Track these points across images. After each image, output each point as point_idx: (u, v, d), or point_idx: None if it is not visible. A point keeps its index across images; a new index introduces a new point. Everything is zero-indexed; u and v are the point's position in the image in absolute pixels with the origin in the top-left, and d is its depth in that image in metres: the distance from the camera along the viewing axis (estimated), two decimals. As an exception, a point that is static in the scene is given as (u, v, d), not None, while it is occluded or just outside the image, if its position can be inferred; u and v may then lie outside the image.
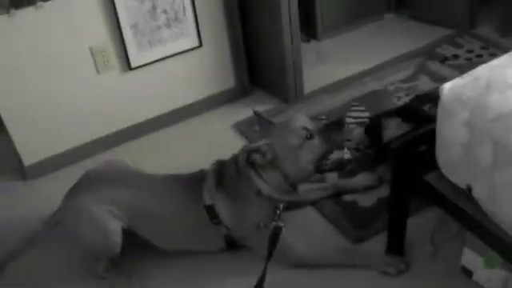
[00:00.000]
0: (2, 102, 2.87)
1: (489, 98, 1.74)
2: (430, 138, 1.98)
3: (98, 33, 2.96)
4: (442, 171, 1.96)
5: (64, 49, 2.91)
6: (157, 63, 3.19)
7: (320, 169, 2.29)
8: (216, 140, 3.22)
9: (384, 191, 2.64)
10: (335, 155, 2.33)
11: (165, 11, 3.05)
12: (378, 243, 2.43)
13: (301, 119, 2.28)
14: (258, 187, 2.25)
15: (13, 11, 2.68)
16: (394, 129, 2.77)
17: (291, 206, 2.55)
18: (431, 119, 2.02)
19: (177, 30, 3.14)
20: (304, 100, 3.47)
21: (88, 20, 2.91)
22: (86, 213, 2.29)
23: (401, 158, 2.08)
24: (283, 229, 2.24)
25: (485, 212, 1.82)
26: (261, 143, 2.22)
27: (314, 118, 3.08)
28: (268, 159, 2.21)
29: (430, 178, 2.03)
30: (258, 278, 2.10)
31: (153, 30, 3.06)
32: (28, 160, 3.08)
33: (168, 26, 3.10)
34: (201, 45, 3.27)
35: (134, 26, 3.00)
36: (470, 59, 3.67)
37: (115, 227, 2.30)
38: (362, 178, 2.75)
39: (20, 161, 3.07)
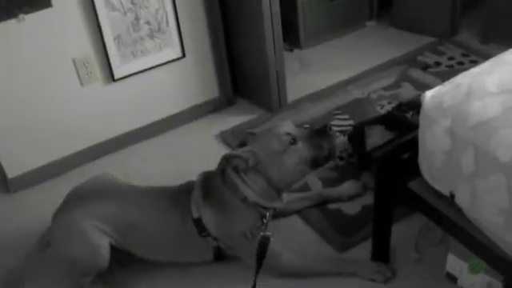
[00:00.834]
0: (-15, 114, 2.86)
1: (469, 106, 1.77)
2: (413, 145, 2.00)
3: (81, 44, 2.96)
4: (425, 178, 1.97)
5: (47, 61, 2.90)
6: (140, 74, 3.19)
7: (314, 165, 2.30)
8: (201, 150, 3.22)
9: (368, 199, 2.66)
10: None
11: (148, 22, 3.05)
12: (363, 251, 2.44)
13: (285, 125, 2.29)
14: (243, 194, 2.24)
15: (-5, 24, 2.67)
16: (377, 137, 2.79)
17: (276, 215, 2.56)
18: (414, 127, 2.04)
19: (160, 41, 3.14)
20: (288, 109, 3.48)
21: (71, 32, 2.90)
22: (75, 229, 2.28)
23: (384, 166, 2.10)
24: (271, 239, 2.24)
25: (468, 218, 1.84)
26: (241, 150, 2.23)
27: (298, 127, 3.11)
28: (250, 165, 2.21)
29: (413, 185, 2.05)
30: None
31: (136, 41, 3.06)
32: (12, 172, 3.06)
33: (151, 36, 3.10)
34: (184, 55, 3.27)
35: (117, 38, 3.00)
36: (451, 66, 3.71)
37: (103, 242, 2.29)
38: (347, 187, 2.76)
39: (3, 173, 3.05)
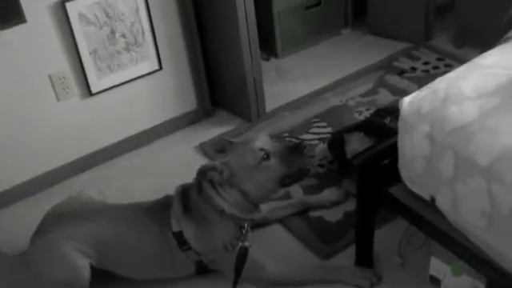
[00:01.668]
0: (-39, 133, 2.83)
1: (447, 111, 1.78)
2: (393, 151, 2.02)
3: (57, 60, 2.94)
4: (406, 183, 1.99)
5: (23, 77, 2.87)
6: (117, 88, 3.17)
7: (283, 183, 2.30)
8: (180, 162, 3.21)
9: (350, 206, 2.67)
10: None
11: (123, 35, 3.04)
12: (346, 257, 2.45)
13: (261, 139, 2.29)
14: (220, 206, 2.24)
15: (-31, 41, 2.65)
16: (356, 143, 2.80)
17: (258, 224, 2.55)
18: (393, 133, 2.05)
19: (136, 54, 3.13)
20: (266, 118, 3.49)
21: (46, 47, 2.88)
22: (54, 251, 2.25)
23: (364, 172, 2.11)
24: (251, 249, 2.24)
25: (449, 222, 1.85)
26: (217, 162, 2.23)
27: (277, 136, 3.12)
28: (225, 177, 2.21)
29: (394, 190, 2.07)
30: None
31: (112, 55, 3.05)
32: (-9, 191, 3.03)
33: (127, 50, 3.09)
34: (161, 68, 3.27)
35: (93, 52, 2.98)
36: (427, 71, 3.74)
37: (83, 263, 2.27)
38: (329, 194, 2.77)
39: (-20, 193, 3.02)
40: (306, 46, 4.26)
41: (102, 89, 3.11)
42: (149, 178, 3.12)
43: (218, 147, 2.40)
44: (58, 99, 3.01)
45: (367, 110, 3.40)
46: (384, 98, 3.52)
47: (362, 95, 3.58)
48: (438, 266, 2.20)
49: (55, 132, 3.08)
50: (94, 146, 3.28)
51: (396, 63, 3.88)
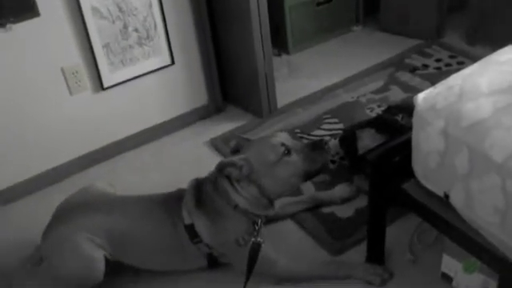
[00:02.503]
0: (-26, 125, 2.84)
1: (462, 107, 1.77)
2: (406, 147, 2.01)
3: (70, 53, 2.95)
4: (419, 180, 1.98)
5: (36, 70, 2.88)
6: (129, 82, 3.18)
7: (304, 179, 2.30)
8: (191, 158, 3.22)
9: (361, 202, 2.67)
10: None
11: (136, 30, 3.05)
12: (357, 254, 2.44)
13: (281, 136, 2.28)
14: (234, 201, 2.24)
15: (-18, 34, 2.66)
16: (368, 140, 2.80)
17: (270, 220, 2.55)
18: (405, 129, 2.05)
19: (148, 49, 3.14)
20: (277, 114, 3.48)
21: (59, 41, 2.89)
22: (68, 244, 2.25)
23: (378, 168, 2.10)
24: (264, 244, 2.24)
25: (463, 218, 1.85)
26: (237, 158, 2.22)
27: (290, 134, 3.11)
28: (244, 173, 2.20)
29: (407, 186, 2.05)
30: None
31: (125, 49, 3.06)
32: (1, 184, 3.03)
33: (140, 44, 3.09)
34: (173, 63, 3.27)
35: (106, 46, 2.99)
36: (439, 68, 3.73)
37: (98, 255, 2.27)
38: (340, 190, 2.76)
39: (-8, 186, 3.04)
40: (317, 43, 4.27)
41: (114, 83, 3.12)
42: (159, 173, 3.13)
43: (233, 146, 2.36)
44: (70, 93, 3.02)
45: (379, 106, 3.39)
46: (396, 95, 3.52)
47: (374, 92, 3.58)
48: (450, 263, 2.20)
49: (67, 125, 3.10)
50: (105, 140, 3.29)
51: (408, 60, 3.88)
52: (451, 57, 3.84)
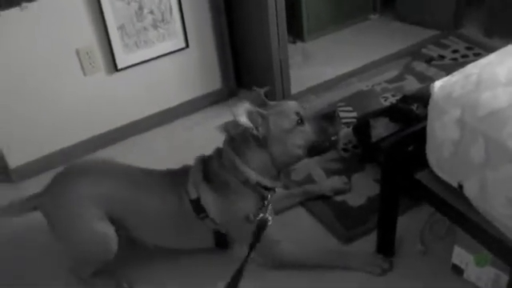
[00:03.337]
0: (-13, 104, 2.85)
1: (480, 96, 1.75)
2: (420, 136, 1.99)
3: (84, 34, 2.94)
4: (433, 169, 1.96)
5: (50, 50, 2.88)
6: (143, 64, 3.17)
7: (311, 153, 2.24)
8: (203, 141, 3.18)
9: (373, 190, 2.64)
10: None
11: (151, 12, 3.03)
12: (367, 243, 2.43)
13: (292, 104, 2.23)
14: (244, 175, 2.19)
15: (-3, 12, 2.65)
16: (381, 128, 2.78)
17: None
18: (419, 119, 2.02)
19: (163, 31, 3.12)
20: (291, 100, 3.46)
21: (74, 21, 2.88)
22: (80, 214, 2.21)
23: (391, 157, 2.08)
24: (269, 225, 2.21)
25: (476, 209, 1.83)
26: (255, 111, 2.13)
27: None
28: (261, 133, 2.13)
29: (420, 176, 2.03)
30: (236, 269, 2.07)
31: (139, 31, 3.04)
32: (13, 162, 3.05)
33: (154, 26, 3.08)
34: (187, 46, 3.26)
35: (121, 27, 2.98)
36: (455, 59, 3.69)
37: (111, 232, 2.24)
38: (331, 182, 2.75)
39: (5, 163, 3.04)
40: (333, 31, 4.23)
41: (127, 65, 3.11)
42: (171, 155, 3.11)
43: (254, 101, 2.27)
44: (84, 74, 3.02)
45: (393, 96, 3.36)
46: (411, 84, 3.48)
47: (389, 81, 3.55)
48: (461, 255, 2.18)
49: (80, 106, 3.10)
50: (117, 121, 3.29)
51: (424, 50, 3.84)
52: (468, 48, 3.79)
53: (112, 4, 2.90)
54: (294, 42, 4.13)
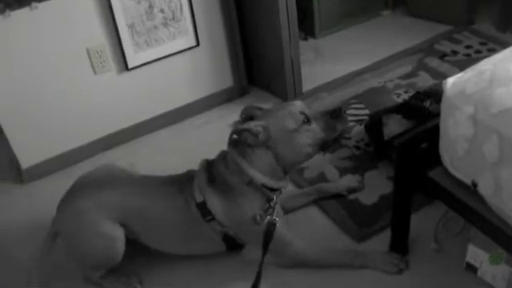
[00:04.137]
0: (-1, 104, 2.86)
1: (493, 92, 1.72)
2: (433, 134, 1.97)
3: (95, 33, 2.94)
4: (447, 167, 1.94)
5: (60, 50, 2.88)
6: (154, 63, 3.16)
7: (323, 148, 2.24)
8: (214, 140, 3.15)
9: (386, 188, 2.62)
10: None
11: (162, 10, 3.02)
12: (380, 242, 2.41)
13: (297, 104, 2.23)
14: (248, 176, 2.18)
15: (8, 12, 2.65)
16: (394, 126, 2.75)
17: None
18: (432, 115, 2.00)
19: (174, 30, 3.11)
20: (303, 98, 3.43)
21: (84, 20, 2.88)
22: (88, 221, 2.24)
23: (404, 154, 2.06)
24: (279, 224, 2.20)
25: (490, 207, 1.80)
26: (253, 123, 2.15)
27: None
28: (260, 140, 2.14)
29: (434, 174, 2.01)
30: (255, 277, 2.09)
31: (150, 30, 3.04)
32: (25, 163, 3.05)
33: (165, 25, 3.07)
34: (198, 44, 3.24)
35: (131, 26, 2.97)
36: (468, 55, 3.66)
37: (119, 235, 2.26)
38: (345, 181, 2.73)
39: (17, 163, 3.05)
40: (345, 27, 4.21)
41: (138, 64, 3.11)
42: (182, 154, 3.11)
43: (245, 113, 2.28)
44: (94, 73, 3.02)
45: (406, 92, 3.34)
46: (424, 81, 3.45)
47: (401, 77, 3.52)
48: (476, 254, 2.15)
49: (90, 106, 3.10)
50: (128, 121, 3.28)
51: (437, 46, 3.80)
52: (482, 43, 3.76)
53: (122, 3, 2.89)
54: (306, 39, 4.11)
